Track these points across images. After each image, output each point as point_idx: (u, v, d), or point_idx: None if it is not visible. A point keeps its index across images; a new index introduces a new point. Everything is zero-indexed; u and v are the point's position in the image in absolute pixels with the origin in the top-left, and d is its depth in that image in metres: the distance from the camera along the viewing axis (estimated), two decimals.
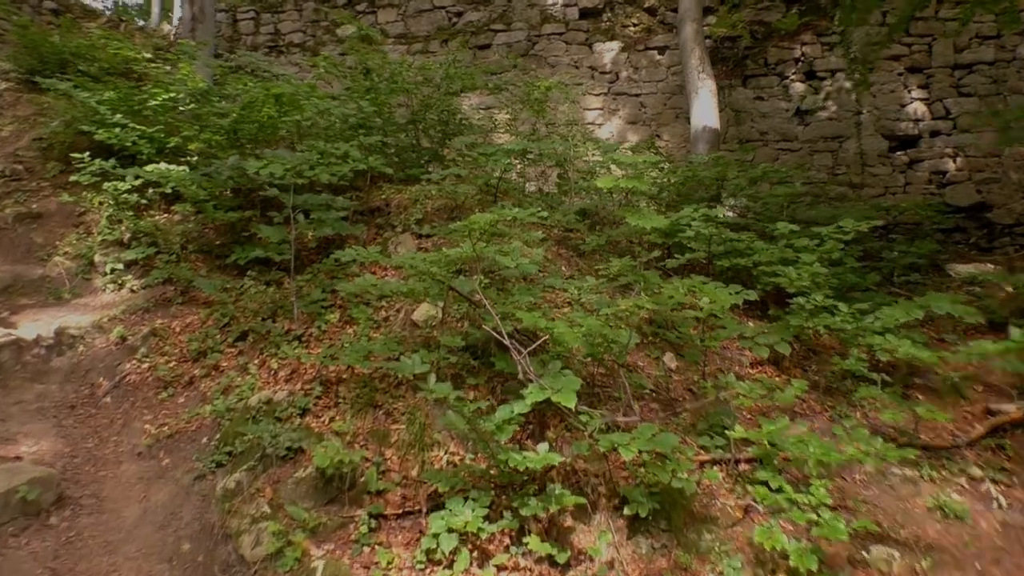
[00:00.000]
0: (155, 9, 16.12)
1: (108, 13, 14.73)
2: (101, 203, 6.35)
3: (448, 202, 6.46)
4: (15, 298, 5.62)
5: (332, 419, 3.78)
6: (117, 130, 6.35)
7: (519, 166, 7.72)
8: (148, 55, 7.37)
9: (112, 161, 6.27)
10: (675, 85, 11.15)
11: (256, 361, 4.57)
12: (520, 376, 3.09)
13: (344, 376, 4.12)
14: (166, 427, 4.13)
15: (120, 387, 4.63)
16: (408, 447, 3.63)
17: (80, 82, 7.09)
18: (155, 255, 5.97)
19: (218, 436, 3.88)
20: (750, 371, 5.01)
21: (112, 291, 5.77)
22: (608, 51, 11.34)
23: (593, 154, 7.99)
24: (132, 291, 5.76)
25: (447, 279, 3.79)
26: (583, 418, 3.14)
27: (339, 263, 5.09)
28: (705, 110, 9.32)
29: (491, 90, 8.88)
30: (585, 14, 11.51)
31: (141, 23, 15.78)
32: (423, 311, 4.52)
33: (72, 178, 6.31)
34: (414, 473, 3.50)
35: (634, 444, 3.01)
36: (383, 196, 6.78)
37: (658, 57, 11.29)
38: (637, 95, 11.25)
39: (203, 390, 4.43)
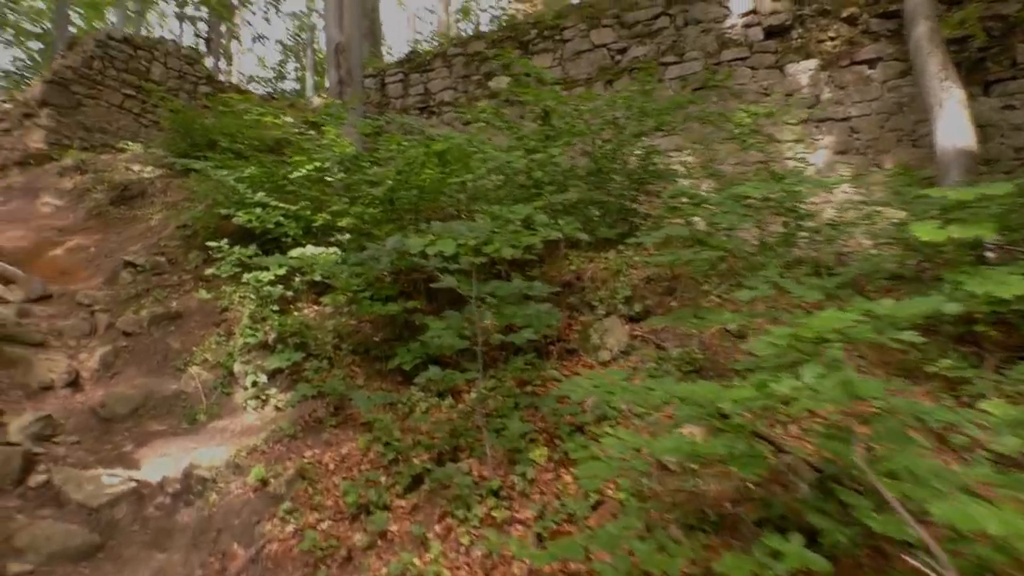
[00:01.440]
0: (309, 82, 16.07)
1: (262, 92, 14.76)
2: (242, 298, 5.37)
3: (661, 271, 4.93)
4: (145, 422, 4.62)
5: None
6: (258, 211, 5.38)
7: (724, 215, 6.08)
8: (290, 119, 6.49)
9: (253, 248, 5.29)
10: (893, 103, 9.13)
11: (438, 528, 3.16)
12: None
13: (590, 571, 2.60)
14: None
15: (258, 561, 3.37)
16: None
17: (222, 160, 6.29)
18: (303, 360, 4.84)
19: None
20: None
21: (254, 410, 4.66)
22: (804, 72, 9.53)
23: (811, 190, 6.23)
24: (277, 409, 4.63)
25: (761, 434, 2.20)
26: None
27: (533, 385, 3.67)
28: (955, 126, 7.28)
29: (671, 128, 7.38)
30: (771, 33, 9.80)
31: (291, 102, 15.76)
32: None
33: (209, 271, 5.39)
34: None
35: None
36: (571, 267, 5.36)
37: (868, 72, 9.33)
38: (845, 119, 9.32)
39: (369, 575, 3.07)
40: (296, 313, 5.38)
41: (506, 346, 4.53)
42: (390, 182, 4.82)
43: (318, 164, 5.41)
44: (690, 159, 8.33)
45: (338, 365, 4.89)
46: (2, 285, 6.04)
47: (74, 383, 4.90)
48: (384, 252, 3.87)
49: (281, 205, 5.37)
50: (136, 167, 9.10)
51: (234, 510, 3.73)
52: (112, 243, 7.53)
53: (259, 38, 41.47)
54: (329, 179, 5.48)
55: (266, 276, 5.13)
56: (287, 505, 3.59)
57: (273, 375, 4.85)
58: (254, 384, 4.77)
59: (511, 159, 4.55)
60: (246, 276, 5.15)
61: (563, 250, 5.52)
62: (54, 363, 4.90)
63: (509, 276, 4.65)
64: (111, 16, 24.57)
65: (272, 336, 5.05)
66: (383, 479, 3.60)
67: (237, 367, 4.91)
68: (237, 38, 35.24)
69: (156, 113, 11.36)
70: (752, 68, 9.78)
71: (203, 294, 5.35)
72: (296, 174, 5.28)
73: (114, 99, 11.29)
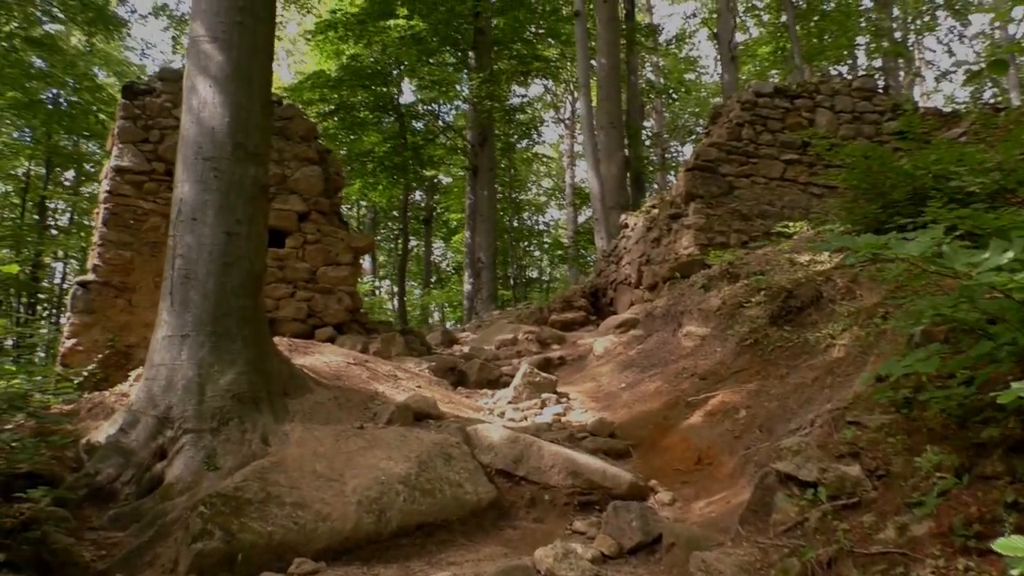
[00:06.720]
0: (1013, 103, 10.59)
1: (969, 110, 10.13)
2: None
3: None
4: None
5: None
6: None
7: None
8: None
9: None
10: None
11: None
12: None
13: None
14: None
15: None
16: None
17: (961, 218, 2.49)
18: None
19: None
20: None
21: None
22: None
23: None
24: None
25: None
26: None
27: None
28: None
29: None
30: None
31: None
32: None
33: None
34: None
35: None
36: None
37: None
38: None
39: None
40: None
41: None
42: None
43: None
44: None
45: None
46: (580, 522, 3.45)
47: None
48: None
49: None
50: (804, 258, 5.92)
51: None
52: (772, 399, 4.38)
53: (944, 75, 34.44)
54: None
55: None
56: None
57: None
58: None
59: None
60: None
61: None
62: None
63: None
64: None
65: None
66: None
67: None
68: (918, 75, 29.83)
69: (829, 174, 8.14)
70: None
71: None
72: None
73: (773, 171, 8.59)
